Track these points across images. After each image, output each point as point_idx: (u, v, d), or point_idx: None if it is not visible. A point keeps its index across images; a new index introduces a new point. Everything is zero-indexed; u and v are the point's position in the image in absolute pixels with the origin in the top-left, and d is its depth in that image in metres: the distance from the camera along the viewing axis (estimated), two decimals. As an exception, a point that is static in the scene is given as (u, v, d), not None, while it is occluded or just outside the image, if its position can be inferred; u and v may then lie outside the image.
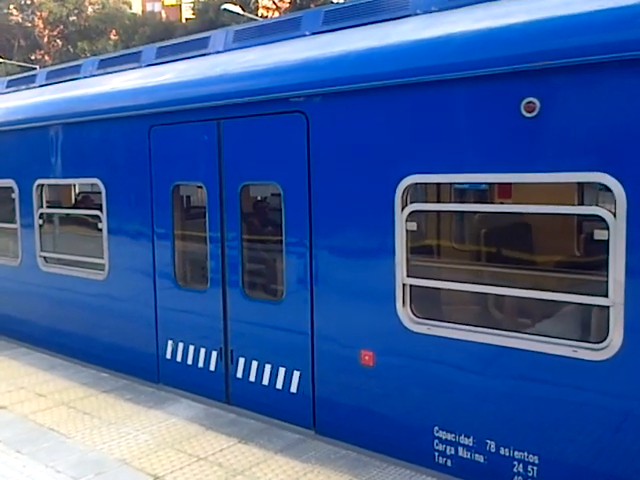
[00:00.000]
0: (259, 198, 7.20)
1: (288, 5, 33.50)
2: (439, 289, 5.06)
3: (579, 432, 4.20)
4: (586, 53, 3.91)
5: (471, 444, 4.67)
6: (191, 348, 6.64)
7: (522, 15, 4.31)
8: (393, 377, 5.09)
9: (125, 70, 7.73)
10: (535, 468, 4.37)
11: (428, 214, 5.86)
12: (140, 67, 7.62)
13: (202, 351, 6.54)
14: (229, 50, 6.73)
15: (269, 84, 5.66)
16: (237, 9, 29.50)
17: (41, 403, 6.71)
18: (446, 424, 4.80)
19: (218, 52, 6.84)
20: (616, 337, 3.96)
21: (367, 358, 5.20)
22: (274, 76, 5.69)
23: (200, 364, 6.56)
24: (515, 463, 4.46)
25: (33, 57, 50.11)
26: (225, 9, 29.22)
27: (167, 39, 8.91)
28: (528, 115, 4.18)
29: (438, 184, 5.45)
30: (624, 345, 3.93)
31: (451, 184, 5.54)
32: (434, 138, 4.70)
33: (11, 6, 50.52)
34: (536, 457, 4.37)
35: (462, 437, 4.72)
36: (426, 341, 4.84)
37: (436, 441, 4.85)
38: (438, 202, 5.87)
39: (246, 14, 29.83)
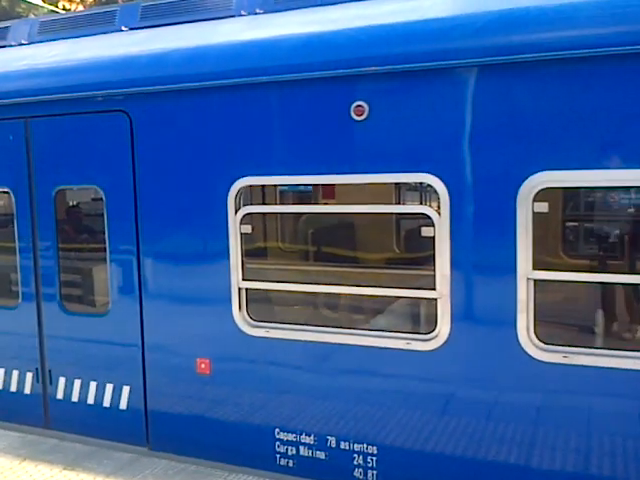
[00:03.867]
0: (79, 203, 6.69)
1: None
2: (275, 291, 5.06)
3: (412, 419, 4.43)
4: (409, 60, 4.12)
5: (312, 442, 4.73)
6: (1, 371, 5.99)
7: (351, 21, 4.43)
8: (231, 383, 5.00)
9: None
10: (374, 458, 4.54)
11: (265, 216, 5.85)
12: None
13: (15, 373, 5.94)
14: (34, 43, 6.16)
15: (87, 80, 5.26)
16: None
17: None
18: (287, 425, 4.81)
19: (21, 44, 6.23)
20: (444, 327, 4.23)
21: (203, 366, 5.05)
22: (92, 72, 5.30)
23: (12, 388, 5.95)
24: (355, 456, 4.59)
25: None
26: (22, -1, 26.86)
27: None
28: (358, 118, 4.32)
29: (274, 186, 5.45)
30: (451, 334, 4.22)
31: (286, 186, 5.57)
32: (266, 140, 4.67)
33: None
34: (374, 447, 4.54)
35: (303, 436, 4.76)
36: (263, 344, 4.81)
37: (277, 443, 4.85)
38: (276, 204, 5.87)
39: (46, 5, 27.64)
